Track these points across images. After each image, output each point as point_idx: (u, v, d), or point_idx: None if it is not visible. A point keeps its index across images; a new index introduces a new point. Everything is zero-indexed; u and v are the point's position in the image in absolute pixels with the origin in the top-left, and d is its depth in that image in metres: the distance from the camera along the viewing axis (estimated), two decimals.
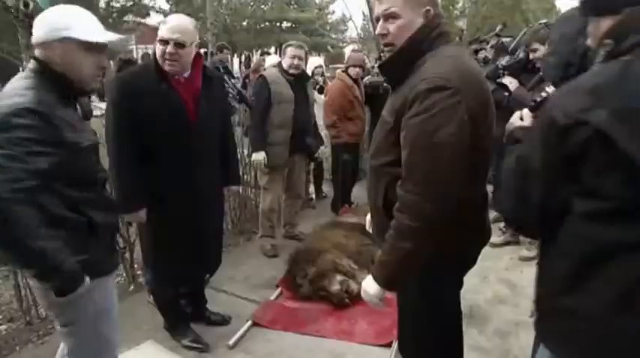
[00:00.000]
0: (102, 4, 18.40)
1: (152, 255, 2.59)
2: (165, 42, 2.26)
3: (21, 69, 2.93)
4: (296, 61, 3.84)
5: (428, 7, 1.53)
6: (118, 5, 19.12)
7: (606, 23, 1.14)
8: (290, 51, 3.87)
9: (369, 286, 1.59)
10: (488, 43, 4.61)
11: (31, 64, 1.57)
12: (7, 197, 1.33)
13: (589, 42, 1.25)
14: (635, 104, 0.96)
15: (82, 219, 1.59)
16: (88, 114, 1.73)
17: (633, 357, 1.07)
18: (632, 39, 1.05)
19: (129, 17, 20.66)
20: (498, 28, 4.69)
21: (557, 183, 1.12)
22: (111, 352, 1.85)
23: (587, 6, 1.23)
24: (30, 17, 2.85)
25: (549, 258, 1.25)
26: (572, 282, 1.12)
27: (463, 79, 1.42)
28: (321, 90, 5.28)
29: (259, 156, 3.81)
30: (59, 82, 1.57)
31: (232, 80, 3.12)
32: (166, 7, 22.16)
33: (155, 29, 2.77)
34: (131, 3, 19.38)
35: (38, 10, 2.84)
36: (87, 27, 1.58)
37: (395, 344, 2.68)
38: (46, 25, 1.55)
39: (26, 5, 2.80)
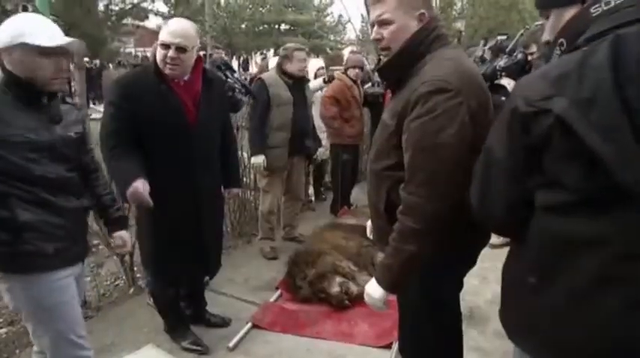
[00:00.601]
0: (101, 7, 18.40)
1: (152, 257, 2.59)
2: (166, 46, 2.26)
3: None
4: (304, 64, 3.91)
5: (422, 11, 1.54)
6: (116, 8, 19.12)
7: (569, 13, 1.14)
8: (299, 55, 3.88)
9: (373, 290, 1.60)
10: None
11: None
12: None
13: (545, 35, 1.24)
14: (592, 95, 0.96)
15: (5, 214, 1.67)
16: (55, 118, 1.80)
17: (590, 351, 1.07)
18: (588, 33, 1.05)
19: (128, 20, 20.65)
20: (482, 43, 4.60)
21: (521, 174, 1.12)
22: (70, 348, 1.87)
23: None
24: None
25: (516, 251, 1.25)
26: (536, 276, 1.12)
27: (463, 81, 1.43)
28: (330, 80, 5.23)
29: (258, 160, 3.81)
30: (17, 85, 1.70)
31: (235, 74, 3.11)
32: (165, 9, 22.16)
33: (154, 32, 2.77)
34: (130, 6, 19.38)
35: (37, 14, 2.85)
36: (39, 33, 1.67)
37: (395, 346, 2.69)
38: (6, 32, 1.67)
39: (25, 9, 2.80)
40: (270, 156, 3.84)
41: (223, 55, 6.94)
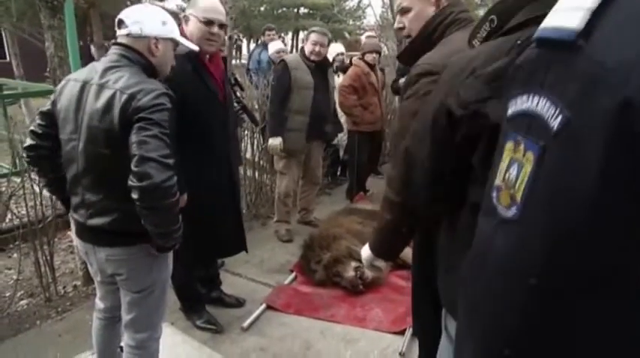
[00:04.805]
0: None
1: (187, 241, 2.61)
2: (210, 23, 2.31)
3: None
4: (317, 48, 3.82)
5: None
6: None
7: None
8: (313, 37, 3.85)
9: (364, 250, 1.67)
10: None
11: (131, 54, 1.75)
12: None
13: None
14: None
15: None
16: None
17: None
18: (521, 17, 0.97)
19: (147, 1, 20.68)
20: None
21: (446, 173, 1.08)
22: (162, 320, 2.02)
23: None
24: None
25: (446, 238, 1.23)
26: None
27: None
28: (343, 70, 5.21)
29: (276, 142, 3.80)
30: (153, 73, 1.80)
31: (239, 93, 3.10)
32: None
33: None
34: None
35: None
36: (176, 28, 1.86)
37: (408, 332, 2.69)
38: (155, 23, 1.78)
39: None
40: (288, 139, 3.83)
41: (275, 39, 6.65)
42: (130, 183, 1.54)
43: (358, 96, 4.64)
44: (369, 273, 3.12)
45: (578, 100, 0.57)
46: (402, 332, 2.74)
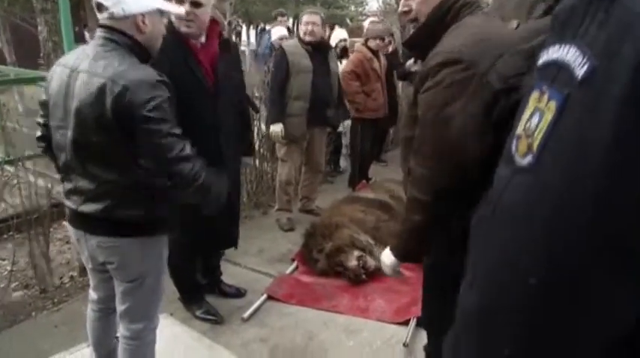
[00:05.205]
0: None
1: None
2: (180, 1, 2.15)
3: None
4: (310, 27, 3.73)
5: None
6: None
7: None
8: (304, 18, 3.81)
9: (386, 256, 1.64)
10: None
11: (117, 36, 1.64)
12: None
13: None
14: None
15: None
16: None
17: None
18: None
19: None
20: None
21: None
22: (157, 310, 1.97)
23: None
24: None
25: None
26: None
27: (481, 52, 1.32)
28: (341, 56, 5.11)
29: (277, 128, 3.72)
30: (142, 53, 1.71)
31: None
32: None
33: None
34: None
35: None
36: None
37: (413, 322, 2.63)
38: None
39: None
40: (288, 125, 3.75)
41: (285, 25, 6.57)
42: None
43: (361, 82, 4.54)
44: (371, 263, 3.06)
45: (605, 49, 0.55)
46: (405, 323, 2.68)
